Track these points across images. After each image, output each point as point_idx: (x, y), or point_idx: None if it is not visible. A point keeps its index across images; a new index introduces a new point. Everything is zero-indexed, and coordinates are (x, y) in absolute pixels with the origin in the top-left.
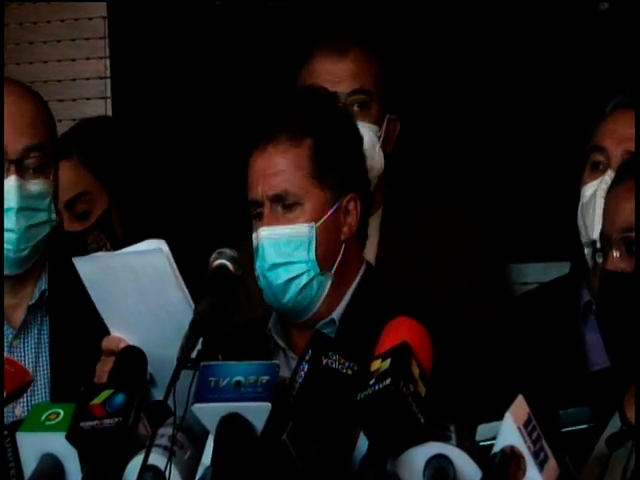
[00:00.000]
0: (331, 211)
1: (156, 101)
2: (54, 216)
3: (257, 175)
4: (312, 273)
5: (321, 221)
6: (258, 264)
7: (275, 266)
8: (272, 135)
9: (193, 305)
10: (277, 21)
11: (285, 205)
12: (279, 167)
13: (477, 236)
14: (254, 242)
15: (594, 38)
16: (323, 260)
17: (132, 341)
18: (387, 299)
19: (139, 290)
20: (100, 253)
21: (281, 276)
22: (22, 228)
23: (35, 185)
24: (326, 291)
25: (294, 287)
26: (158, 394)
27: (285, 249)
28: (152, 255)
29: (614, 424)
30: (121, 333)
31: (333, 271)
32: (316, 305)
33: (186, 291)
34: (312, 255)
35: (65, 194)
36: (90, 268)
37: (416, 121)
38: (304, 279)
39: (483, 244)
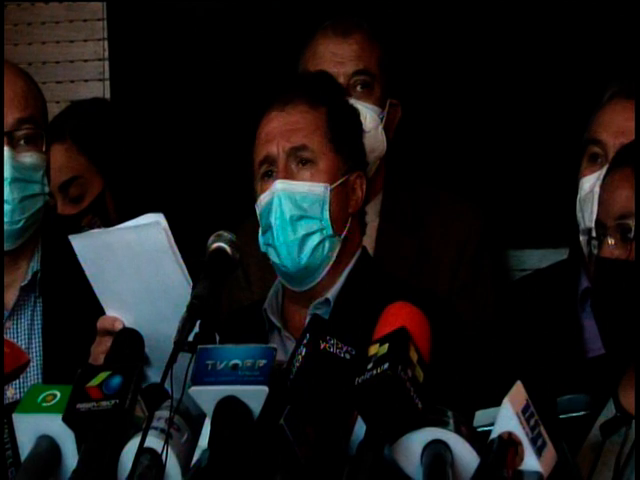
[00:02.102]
0: (343, 179)
1: (154, 83)
2: (47, 189)
3: (274, 132)
4: (325, 233)
5: (335, 184)
6: (274, 217)
7: (292, 219)
8: (290, 97)
9: (190, 281)
10: (278, 10)
11: (301, 160)
12: (299, 125)
13: (479, 224)
14: (264, 199)
15: (595, 26)
16: (335, 223)
17: (127, 319)
18: (382, 282)
19: (136, 266)
20: (96, 230)
21: (298, 230)
22: (16, 199)
23: (27, 157)
24: (335, 256)
25: (310, 243)
26: (152, 373)
27: (301, 204)
28: (149, 229)
29: (608, 411)
30: (116, 311)
31: (343, 236)
32: (325, 269)
33: (183, 266)
34: (326, 215)
35: (58, 177)
36: (86, 245)
37: (417, 108)
38: (317, 237)
39: (485, 232)
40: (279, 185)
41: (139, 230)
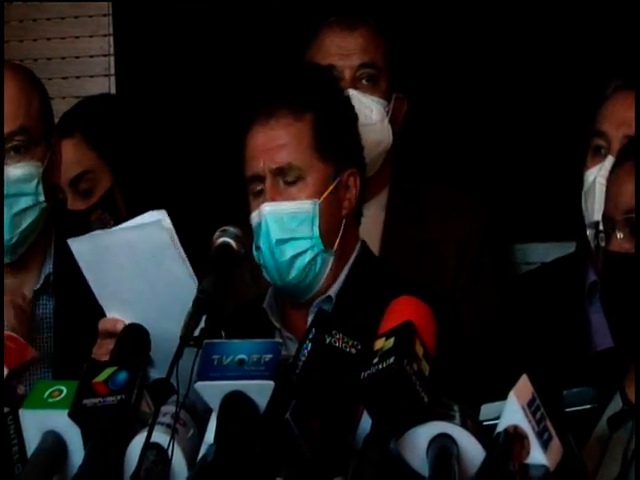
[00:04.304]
0: (333, 186)
1: (160, 78)
2: (42, 198)
3: (258, 150)
4: (316, 249)
5: (324, 196)
6: (262, 240)
7: (280, 242)
8: (273, 109)
9: (194, 277)
10: (283, 6)
11: (287, 180)
12: (282, 141)
13: (481, 222)
14: (254, 219)
15: (599, 22)
16: (326, 236)
17: (130, 320)
18: (383, 278)
19: (138, 265)
20: (96, 232)
21: (286, 252)
22: (7, 217)
23: (18, 169)
24: (329, 269)
25: (299, 264)
26: (156, 374)
27: (289, 225)
28: (152, 228)
29: (615, 404)
30: (118, 313)
31: (335, 248)
32: (319, 283)
33: (187, 263)
34: (316, 231)
35: (68, 172)
36: (85, 248)
37: (424, 102)
38: (309, 255)
39: (487, 230)
40: (267, 208)
41: (141, 229)
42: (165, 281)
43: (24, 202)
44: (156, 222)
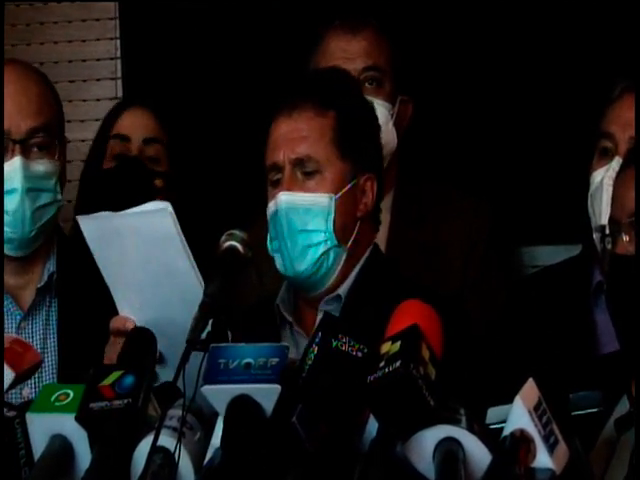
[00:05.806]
0: (350, 185)
1: (167, 82)
2: (60, 196)
3: (280, 139)
4: (329, 243)
5: (340, 193)
6: (276, 229)
7: (294, 232)
8: (297, 103)
9: (196, 268)
10: (291, 7)
11: (306, 172)
12: (303, 132)
13: (485, 221)
14: (271, 208)
15: (603, 23)
16: (339, 233)
17: (134, 303)
18: (392, 279)
19: (142, 251)
20: (104, 212)
21: (299, 243)
22: (29, 210)
23: (40, 165)
24: (341, 264)
25: (311, 255)
26: (163, 374)
27: (304, 217)
28: (156, 215)
29: (622, 407)
30: (121, 296)
31: (348, 246)
32: (330, 278)
33: (190, 253)
34: (330, 226)
35: (144, 133)
36: (94, 227)
37: (429, 105)
38: (321, 248)
39: (492, 229)
40: (283, 197)
41: (146, 216)
42: (167, 270)
43: (45, 198)
44: (162, 210)
